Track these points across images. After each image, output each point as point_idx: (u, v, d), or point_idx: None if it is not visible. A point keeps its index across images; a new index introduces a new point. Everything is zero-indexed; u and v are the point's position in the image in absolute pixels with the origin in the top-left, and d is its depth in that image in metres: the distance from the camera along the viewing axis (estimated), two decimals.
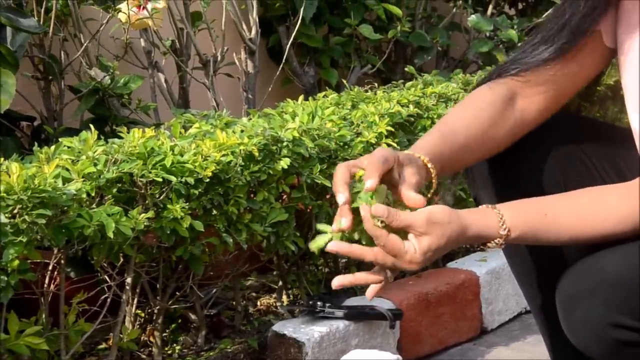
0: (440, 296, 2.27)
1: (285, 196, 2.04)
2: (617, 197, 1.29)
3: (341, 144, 2.08)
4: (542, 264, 1.51)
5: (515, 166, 1.46)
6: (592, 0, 1.35)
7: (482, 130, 1.39)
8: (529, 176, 1.46)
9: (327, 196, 2.11)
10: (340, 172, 1.24)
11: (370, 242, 1.22)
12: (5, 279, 1.50)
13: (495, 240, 1.27)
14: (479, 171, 1.50)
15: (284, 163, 1.92)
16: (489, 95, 1.42)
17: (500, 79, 1.44)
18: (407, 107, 2.31)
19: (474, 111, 1.40)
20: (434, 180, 1.31)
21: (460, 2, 3.40)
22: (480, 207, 1.29)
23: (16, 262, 1.51)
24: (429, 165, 1.30)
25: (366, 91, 2.49)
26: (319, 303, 2.07)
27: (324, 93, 2.45)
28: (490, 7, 3.50)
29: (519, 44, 1.64)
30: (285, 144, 1.95)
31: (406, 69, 2.83)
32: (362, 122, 2.17)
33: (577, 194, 1.31)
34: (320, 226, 1.25)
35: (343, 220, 1.22)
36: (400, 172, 1.27)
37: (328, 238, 1.23)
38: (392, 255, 1.21)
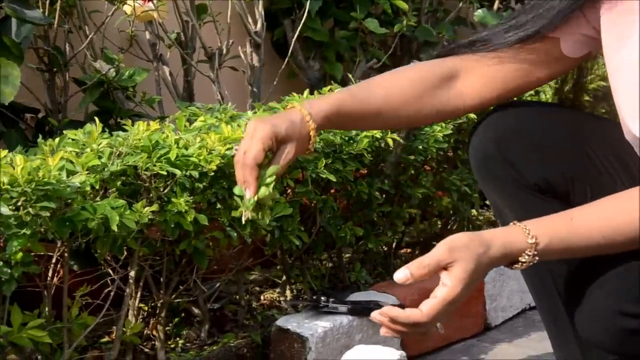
0: None
1: (289, 190, 2.04)
2: None
3: (346, 138, 2.07)
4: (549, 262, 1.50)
5: (521, 160, 1.45)
6: (558, 7, 1.36)
7: (402, 102, 1.43)
8: (534, 170, 1.44)
9: (332, 191, 2.10)
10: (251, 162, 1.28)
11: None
12: (9, 271, 1.50)
13: (526, 252, 1.21)
14: (485, 165, 1.49)
15: None
16: (425, 71, 1.45)
17: (453, 57, 1.46)
18: None
19: (403, 82, 1.45)
20: (312, 141, 1.35)
21: None
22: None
23: (20, 254, 1.50)
24: (312, 133, 1.34)
25: None
26: (322, 298, 2.06)
27: (329, 87, 2.43)
28: (497, 2, 3.48)
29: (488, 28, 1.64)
30: None
31: (412, 63, 2.82)
32: None
33: (599, 200, 1.26)
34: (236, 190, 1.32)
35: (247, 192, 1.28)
36: (277, 150, 1.31)
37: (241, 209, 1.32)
38: (432, 320, 1.25)
